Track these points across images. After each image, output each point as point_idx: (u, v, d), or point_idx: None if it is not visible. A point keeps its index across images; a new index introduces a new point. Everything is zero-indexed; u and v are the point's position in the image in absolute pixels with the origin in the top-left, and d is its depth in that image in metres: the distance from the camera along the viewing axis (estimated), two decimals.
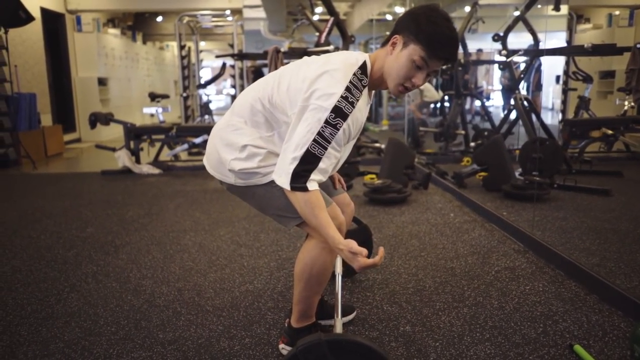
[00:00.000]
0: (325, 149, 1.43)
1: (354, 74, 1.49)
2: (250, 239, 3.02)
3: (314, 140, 1.42)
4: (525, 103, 4.73)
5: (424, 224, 3.30)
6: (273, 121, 1.58)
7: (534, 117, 4.83)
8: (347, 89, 1.45)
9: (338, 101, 1.43)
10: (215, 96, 14.94)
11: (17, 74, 6.42)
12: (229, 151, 1.60)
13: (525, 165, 4.35)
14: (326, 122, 1.42)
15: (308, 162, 1.43)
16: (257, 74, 10.54)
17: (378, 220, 3.36)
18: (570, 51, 4.49)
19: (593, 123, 5.25)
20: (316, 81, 1.46)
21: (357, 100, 1.48)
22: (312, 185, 1.45)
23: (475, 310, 2.06)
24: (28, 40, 6.93)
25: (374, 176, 4.46)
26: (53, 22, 7.95)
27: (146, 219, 3.50)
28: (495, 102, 11.93)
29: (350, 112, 1.45)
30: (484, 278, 2.39)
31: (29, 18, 5.70)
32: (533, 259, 2.63)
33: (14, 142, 5.82)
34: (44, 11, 7.48)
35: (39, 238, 3.09)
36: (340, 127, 1.44)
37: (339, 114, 1.43)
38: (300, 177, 1.44)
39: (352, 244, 1.41)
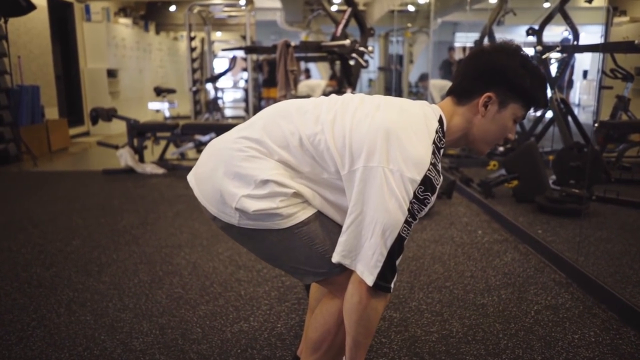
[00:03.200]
0: (411, 226, 1.11)
1: (436, 132, 1.16)
2: (251, 258, 2.68)
3: (406, 220, 1.09)
4: (562, 105, 4.30)
5: (449, 243, 2.92)
6: (308, 165, 1.18)
7: (570, 119, 4.40)
8: (434, 152, 1.12)
9: (428, 170, 1.09)
10: (231, 89, 14.62)
11: (20, 65, 6.15)
12: (238, 184, 1.18)
13: (561, 174, 3.93)
14: (415, 196, 1.09)
15: (399, 251, 1.11)
16: (273, 66, 10.18)
17: None
18: (626, 48, 4.00)
19: (635, 126, 4.78)
20: (398, 137, 1.11)
21: (439, 164, 1.15)
22: (393, 283, 1.15)
23: None
24: (33, 29, 6.66)
25: None
26: (60, 11, 7.67)
27: (140, 229, 3.18)
28: None
29: (437, 185, 1.12)
30: (523, 321, 2.01)
31: (30, 6, 5.41)
32: (579, 295, 2.24)
33: (15, 137, 5.56)
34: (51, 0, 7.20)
35: (19, 252, 2.79)
36: (428, 203, 1.11)
37: (428, 186, 1.10)
38: (390, 272, 1.11)
39: None
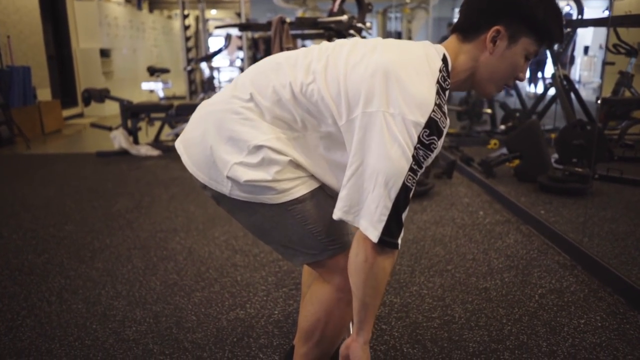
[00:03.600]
0: (417, 176, 1.01)
1: (440, 71, 1.05)
2: (247, 242, 2.62)
3: (411, 168, 0.99)
4: (565, 81, 4.20)
5: (450, 224, 2.86)
6: (304, 120, 1.09)
7: (572, 96, 4.30)
8: (438, 93, 1.01)
9: (433, 111, 0.99)
10: (227, 68, 14.40)
11: (10, 46, 6.01)
12: (231, 150, 1.10)
13: (563, 152, 3.86)
14: (420, 141, 0.98)
15: (405, 202, 1.01)
16: (269, 44, 9.99)
17: None
18: (635, 22, 3.88)
19: (639, 103, 4.69)
20: (398, 77, 1.00)
21: (445, 106, 1.05)
22: (400, 239, 1.04)
23: (520, 356, 1.64)
24: (23, 8, 6.49)
25: None
26: None
27: (134, 213, 3.11)
28: None
29: (444, 128, 1.02)
30: (527, 305, 1.96)
31: None
32: (584, 278, 2.19)
33: (7, 120, 5.45)
34: None
35: (10, 238, 2.72)
36: (435, 148, 1.01)
37: (434, 129, 0.99)
38: (396, 226, 1.01)
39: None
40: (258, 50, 8.38)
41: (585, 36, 10.92)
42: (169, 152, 4.97)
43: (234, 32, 8.21)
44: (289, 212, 1.12)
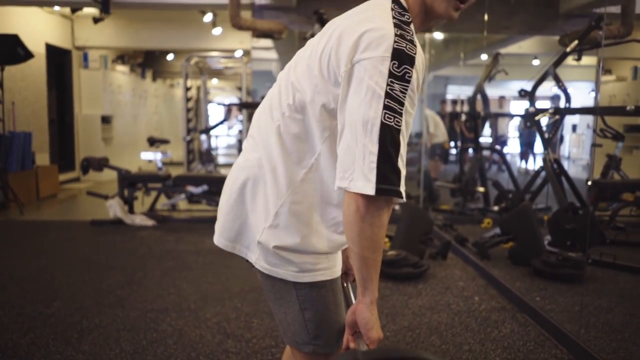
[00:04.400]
0: (401, 115, 0.97)
1: (392, 10, 1.05)
2: (240, 325, 2.56)
3: (385, 105, 0.95)
4: (555, 165, 4.31)
5: (445, 310, 2.83)
6: (309, 135, 1.10)
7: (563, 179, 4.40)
8: (397, 25, 1.01)
9: (395, 41, 0.98)
10: (226, 136, 14.66)
11: (13, 112, 6.13)
12: (261, 213, 1.11)
13: (556, 236, 3.89)
14: (390, 74, 0.96)
15: (394, 144, 0.96)
16: None
17: (391, 304, 2.89)
18: (618, 112, 4.08)
19: (628, 186, 4.80)
20: (352, 32, 1.01)
21: (414, 37, 1.03)
22: (402, 187, 0.98)
23: None
24: (30, 76, 6.69)
25: (386, 242, 4.01)
26: (59, 58, 7.74)
27: (125, 289, 3.06)
28: (510, 149, 11.57)
29: (415, 54, 0.99)
30: None
31: (28, 55, 5.45)
32: None
33: (3, 184, 5.46)
34: (50, 47, 7.26)
35: None
36: (410, 77, 0.98)
37: (403, 58, 0.97)
38: (391, 170, 0.96)
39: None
40: None
41: (573, 115, 11.35)
42: (164, 222, 4.97)
43: (234, 100, 8.46)
44: (296, 291, 1.12)
